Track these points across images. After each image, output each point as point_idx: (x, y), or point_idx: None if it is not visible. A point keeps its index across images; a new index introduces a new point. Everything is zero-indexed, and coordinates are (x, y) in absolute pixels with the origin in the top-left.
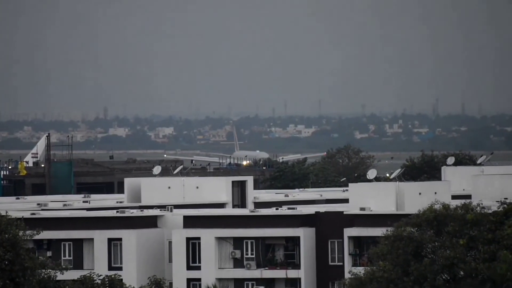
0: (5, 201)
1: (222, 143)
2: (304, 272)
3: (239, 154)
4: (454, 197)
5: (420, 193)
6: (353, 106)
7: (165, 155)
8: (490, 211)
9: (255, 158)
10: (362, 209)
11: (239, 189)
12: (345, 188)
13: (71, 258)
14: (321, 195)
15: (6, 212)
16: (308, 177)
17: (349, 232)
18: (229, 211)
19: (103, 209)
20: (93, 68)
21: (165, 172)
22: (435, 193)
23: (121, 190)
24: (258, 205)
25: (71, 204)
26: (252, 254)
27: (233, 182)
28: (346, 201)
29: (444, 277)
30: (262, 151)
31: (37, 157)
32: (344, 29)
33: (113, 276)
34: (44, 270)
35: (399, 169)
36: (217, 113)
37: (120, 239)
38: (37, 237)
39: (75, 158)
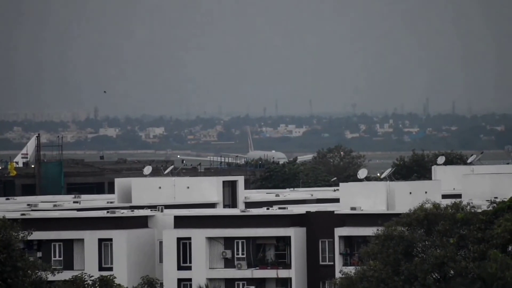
0: None
1: (213, 143)
2: (295, 272)
3: (253, 154)
4: (444, 196)
5: (410, 193)
6: (343, 106)
7: (178, 156)
8: (480, 210)
9: (271, 158)
10: (353, 208)
11: (230, 189)
12: (335, 188)
13: (61, 258)
14: (312, 195)
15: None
16: (298, 177)
17: (339, 231)
18: (220, 211)
19: (93, 209)
20: (84, 68)
21: (155, 172)
22: (426, 192)
23: (111, 191)
24: (249, 205)
25: (61, 204)
26: (243, 254)
27: (223, 182)
28: (337, 200)
29: (434, 276)
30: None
31: (27, 158)
32: (335, 28)
33: (107, 276)
34: (36, 272)
35: (390, 169)
36: (208, 113)
37: (110, 240)
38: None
39: (65, 158)
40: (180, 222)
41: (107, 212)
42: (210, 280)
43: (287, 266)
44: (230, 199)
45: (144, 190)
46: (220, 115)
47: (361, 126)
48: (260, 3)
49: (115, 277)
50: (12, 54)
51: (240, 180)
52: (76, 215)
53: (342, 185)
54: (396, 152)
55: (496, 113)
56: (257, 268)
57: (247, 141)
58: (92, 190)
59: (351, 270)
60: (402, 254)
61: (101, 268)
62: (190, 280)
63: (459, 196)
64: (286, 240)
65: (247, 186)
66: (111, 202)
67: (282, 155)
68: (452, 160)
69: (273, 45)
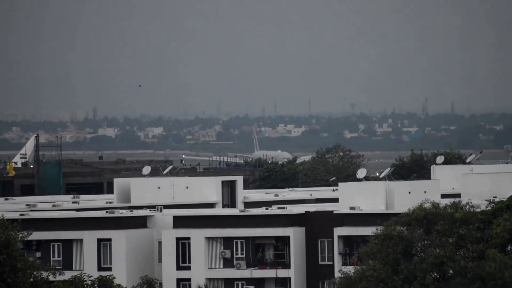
0: None
1: (212, 143)
2: (294, 272)
3: (259, 154)
4: (443, 196)
5: (409, 192)
6: (342, 106)
7: (183, 155)
8: (479, 210)
9: (276, 158)
10: (352, 208)
11: (229, 189)
12: (335, 188)
13: (60, 259)
14: (311, 195)
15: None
16: (297, 177)
17: (339, 231)
18: (219, 211)
19: (92, 209)
20: (83, 68)
21: (154, 172)
22: (425, 192)
23: (110, 191)
24: (248, 204)
25: (60, 204)
26: (242, 254)
27: (222, 182)
28: (336, 200)
29: (433, 275)
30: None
31: (26, 158)
32: (331, 28)
33: (106, 276)
34: (36, 273)
35: (389, 168)
36: (207, 113)
37: (109, 240)
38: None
39: (64, 158)
40: (179, 222)
41: (106, 212)
42: (209, 280)
43: (286, 266)
44: (229, 199)
45: (143, 190)
46: (219, 115)
47: (360, 125)
48: (259, 3)
49: (114, 277)
50: (10, 54)
51: (239, 180)
52: (75, 215)
53: (341, 184)
54: (395, 151)
55: (495, 113)
56: (256, 268)
57: (246, 141)
58: (91, 190)
59: (350, 269)
60: (401, 253)
61: (100, 268)
62: (189, 280)
63: (458, 195)
64: (285, 240)
65: (246, 186)
66: (110, 202)
67: (288, 155)
68: (451, 159)
69: (271, 45)
